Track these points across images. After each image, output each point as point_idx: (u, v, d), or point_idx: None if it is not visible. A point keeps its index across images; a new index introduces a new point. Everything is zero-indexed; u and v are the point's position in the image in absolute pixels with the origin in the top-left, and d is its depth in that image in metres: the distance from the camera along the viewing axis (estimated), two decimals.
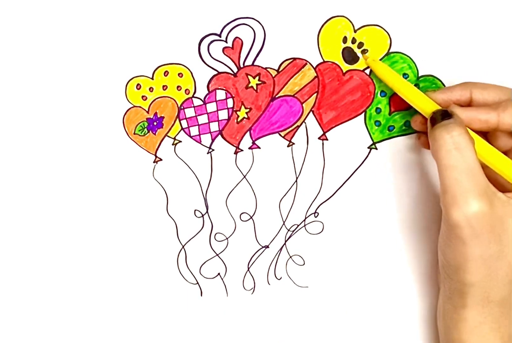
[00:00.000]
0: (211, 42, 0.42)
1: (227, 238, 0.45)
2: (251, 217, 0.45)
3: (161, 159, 0.44)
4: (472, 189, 0.34)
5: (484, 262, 0.36)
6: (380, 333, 0.46)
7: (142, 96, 0.43)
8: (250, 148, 0.44)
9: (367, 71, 0.43)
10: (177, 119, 0.44)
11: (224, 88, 0.43)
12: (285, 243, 0.45)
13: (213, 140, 0.44)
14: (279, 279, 0.45)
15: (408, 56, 0.43)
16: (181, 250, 0.45)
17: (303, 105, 0.44)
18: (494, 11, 0.43)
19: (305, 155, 0.44)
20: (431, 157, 0.37)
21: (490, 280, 0.36)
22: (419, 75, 0.43)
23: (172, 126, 0.44)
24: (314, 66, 0.43)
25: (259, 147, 0.44)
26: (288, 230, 0.45)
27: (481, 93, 0.39)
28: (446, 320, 0.40)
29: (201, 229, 0.45)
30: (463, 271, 0.36)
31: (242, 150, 0.44)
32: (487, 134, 0.40)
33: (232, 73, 0.43)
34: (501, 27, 0.43)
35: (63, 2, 0.42)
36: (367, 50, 0.43)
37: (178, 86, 0.43)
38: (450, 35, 0.43)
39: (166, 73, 0.43)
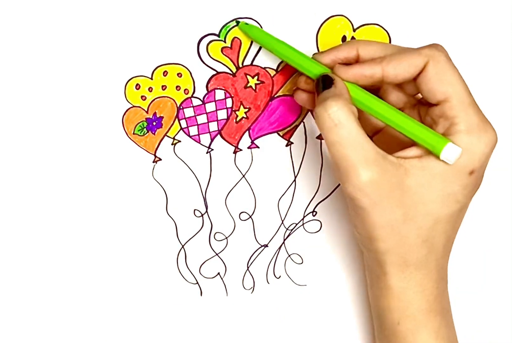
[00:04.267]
0: (210, 42, 0.42)
1: (226, 238, 0.45)
2: (250, 216, 0.45)
3: (160, 159, 0.44)
4: (359, 160, 0.34)
5: (392, 227, 0.36)
6: None
7: (141, 96, 0.43)
8: (249, 147, 0.44)
9: None
10: (176, 119, 0.44)
11: (223, 88, 0.43)
12: (283, 242, 0.45)
13: (212, 139, 0.44)
14: (278, 278, 0.46)
15: None
16: (180, 249, 0.45)
17: None
18: (493, 9, 0.43)
19: (304, 155, 0.45)
20: None
21: (403, 245, 0.36)
22: None
23: (171, 126, 0.44)
24: None
25: (258, 147, 0.44)
26: (287, 229, 0.45)
27: (367, 49, 0.38)
28: (373, 290, 0.40)
29: (201, 229, 0.45)
30: (375, 240, 0.36)
31: (241, 150, 0.44)
32: (379, 92, 0.40)
33: (231, 73, 0.43)
34: (500, 25, 0.43)
35: (63, 2, 0.42)
36: None
37: (177, 86, 0.43)
38: (450, 33, 0.43)
39: (165, 73, 0.43)
